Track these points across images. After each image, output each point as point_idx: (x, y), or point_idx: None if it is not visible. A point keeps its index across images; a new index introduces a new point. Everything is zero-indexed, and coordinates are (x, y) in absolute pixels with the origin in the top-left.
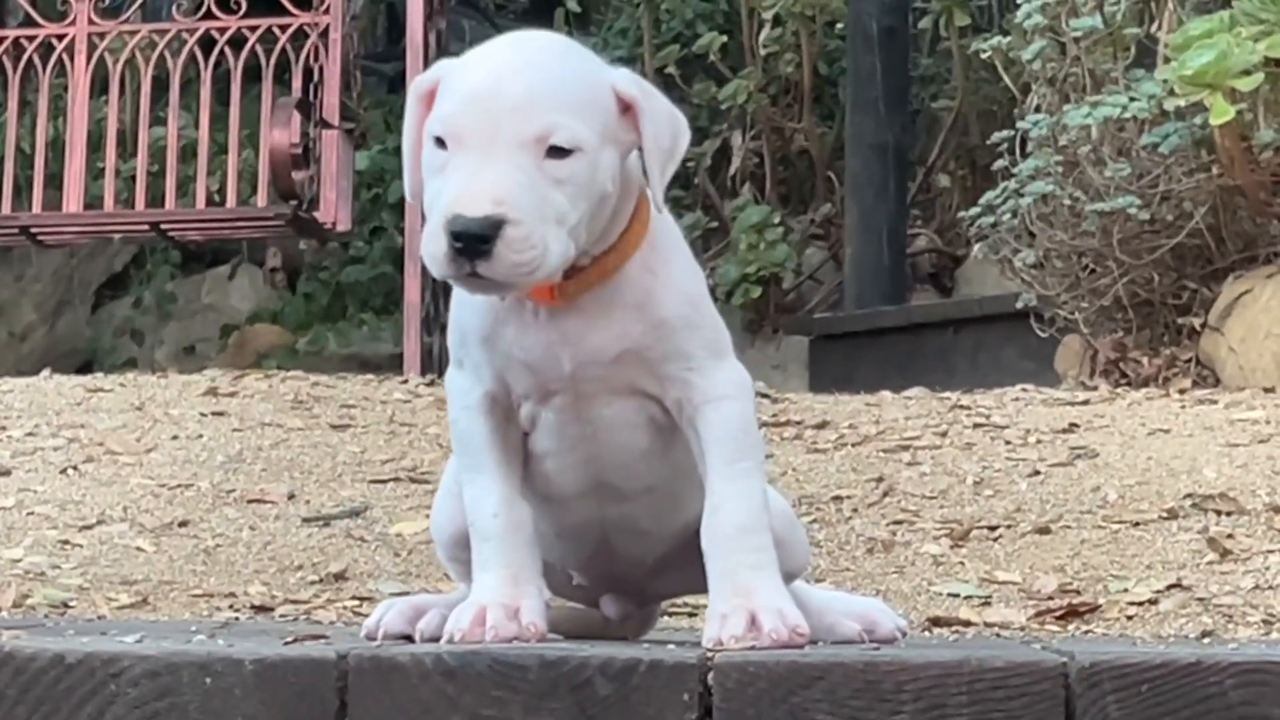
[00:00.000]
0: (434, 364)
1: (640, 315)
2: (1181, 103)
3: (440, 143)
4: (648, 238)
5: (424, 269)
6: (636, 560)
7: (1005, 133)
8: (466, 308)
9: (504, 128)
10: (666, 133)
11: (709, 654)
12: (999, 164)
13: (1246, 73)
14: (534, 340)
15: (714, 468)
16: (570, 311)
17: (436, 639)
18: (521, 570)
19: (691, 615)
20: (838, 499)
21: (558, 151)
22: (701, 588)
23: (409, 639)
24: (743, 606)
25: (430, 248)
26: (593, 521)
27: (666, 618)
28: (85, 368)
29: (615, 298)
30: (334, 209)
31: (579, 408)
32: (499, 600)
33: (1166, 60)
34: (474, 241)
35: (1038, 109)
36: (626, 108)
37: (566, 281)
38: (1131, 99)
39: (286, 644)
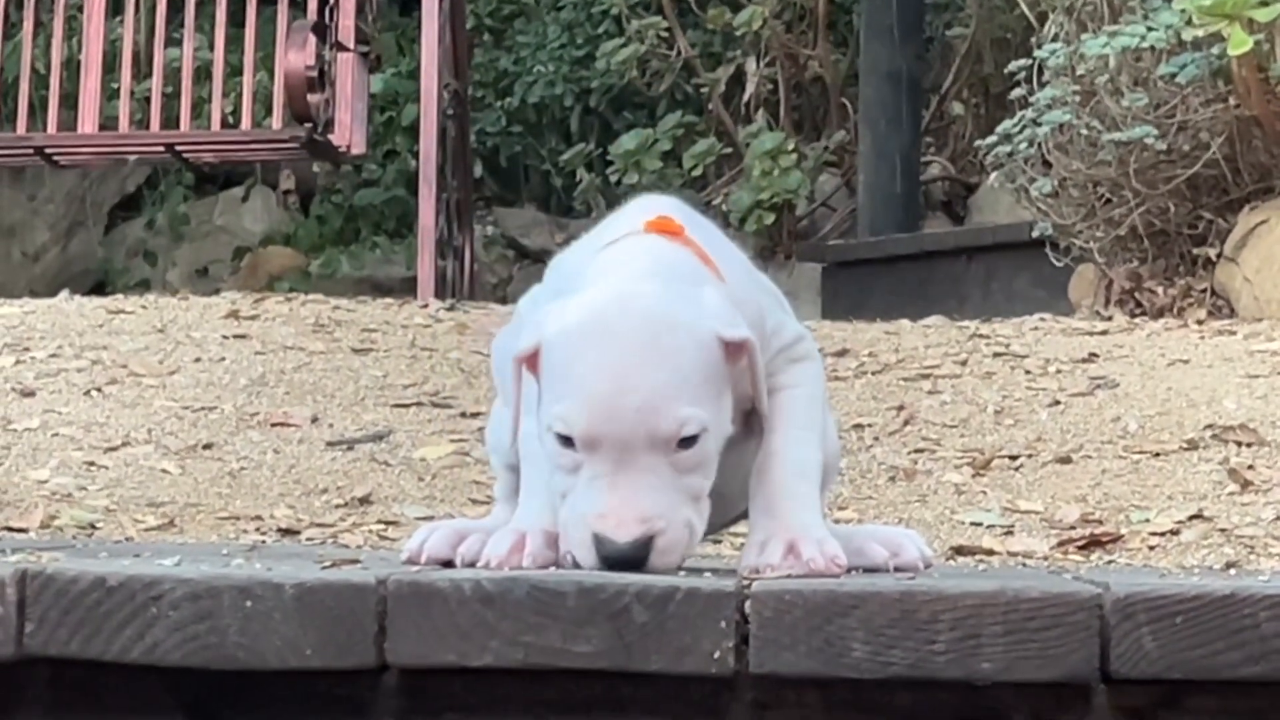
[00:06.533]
0: (447, 288)
1: None
2: (1199, 33)
3: (565, 439)
4: None
5: (438, 192)
6: None
7: (1022, 61)
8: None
9: (636, 432)
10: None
11: (746, 582)
12: (1015, 93)
13: (1265, 3)
14: None
15: (772, 430)
16: None
17: (476, 564)
18: None
19: (716, 543)
20: (859, 427)
21: (687, 442)
22: None
23: (450, 564)
24: (781, 535)
25: (579, 554)
26: None
27: None
28: (98, 288)
29: None
30: (349, 132)
31: None
32: (540, 526)
33: None
34: (627, 566)
35: (1055, 38)
36: (730, 347)
37: None
38: (1149, 29)
39: (325, 569)
